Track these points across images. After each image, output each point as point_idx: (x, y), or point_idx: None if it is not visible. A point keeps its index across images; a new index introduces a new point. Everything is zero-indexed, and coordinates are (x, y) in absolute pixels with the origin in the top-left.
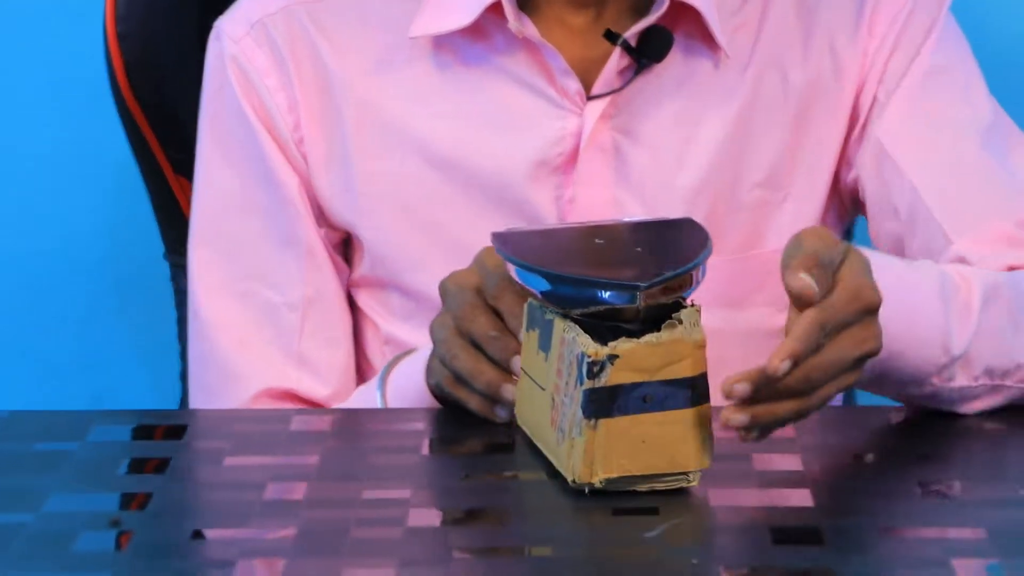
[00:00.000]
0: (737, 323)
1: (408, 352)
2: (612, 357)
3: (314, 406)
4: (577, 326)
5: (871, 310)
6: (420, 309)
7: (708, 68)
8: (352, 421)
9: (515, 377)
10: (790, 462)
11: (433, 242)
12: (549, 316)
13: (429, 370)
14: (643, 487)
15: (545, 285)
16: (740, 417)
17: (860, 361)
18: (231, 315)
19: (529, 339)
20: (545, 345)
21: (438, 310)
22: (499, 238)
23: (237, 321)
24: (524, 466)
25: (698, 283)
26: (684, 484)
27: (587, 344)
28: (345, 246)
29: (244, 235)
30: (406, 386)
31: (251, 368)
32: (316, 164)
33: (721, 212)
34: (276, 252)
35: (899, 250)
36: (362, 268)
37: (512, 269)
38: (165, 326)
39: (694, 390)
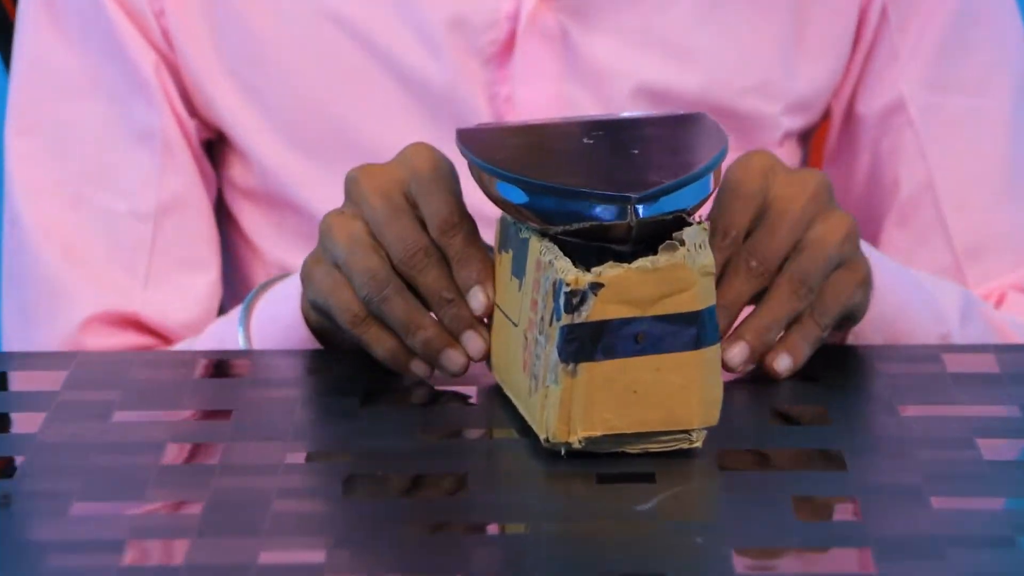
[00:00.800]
0: None
1: (279, 277)
2: (595, 286)
3: (160, 338)
4: (557, 247)
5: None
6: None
7: None
8: (272, 366)
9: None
10: (817, 413)
11: (339, 144)
12: (525, 234)
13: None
14: (634, 448)
15: (520, 196)
16: (737, 353)
17: (842, 251)
18: (60, 223)
19: (502, 263)
20: (519, 271)
21: None
22: (465, 135)
23: (68, 230)
24: (490, 421)
25: (708, 193)
26: (685, 445)
27: (566, 269)
28: (218, 147)
29: (81, 124)
30: (277, 316)
31: (83, 285)
32: (185, 37)
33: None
34: (123, 147)
35: (870, 210)
36: (245, 177)
37: (481, 174)
38: None
39: (700, 328)
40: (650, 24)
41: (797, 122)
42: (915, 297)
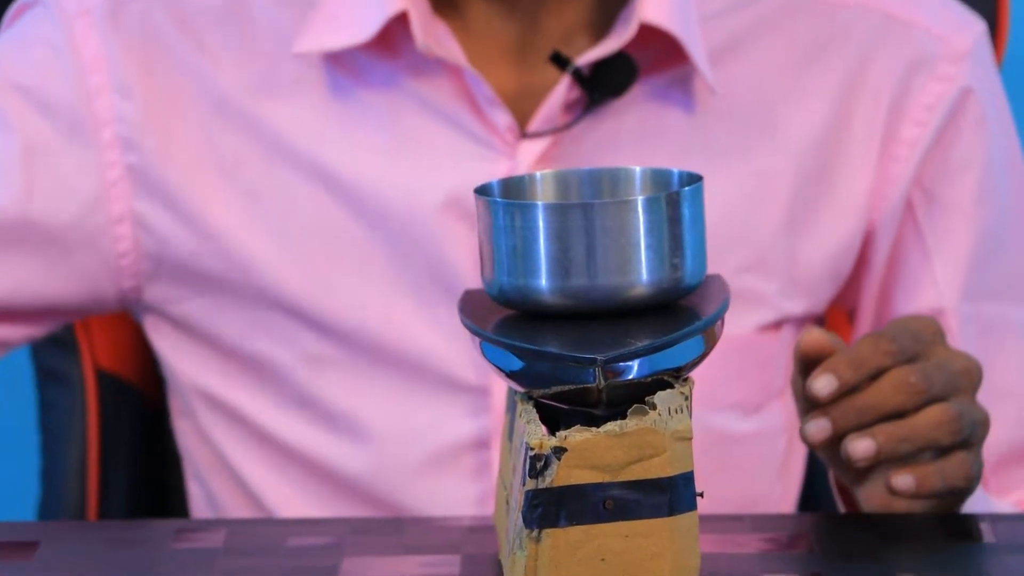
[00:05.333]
0: (707, 426)
1: None
2: (559, 450)
3: None
4: (535, 411)
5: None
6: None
7: (680, 116)
8: (249, 534)
9: None
10: None
11: (334, 270)
12: (516, 397)
13: None
14: None
15: (502, 360)
16: (904, 480)
17: (978, 433)
18: None
19: (504, 426)
20: (511, 435)
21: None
22: (469, 296)
23: None
24: None
25: (700, 353)
26: None
27: (532, 432)
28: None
29: None
30: None
31: None
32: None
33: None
34: None
35: None
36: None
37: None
38: None
39: (673, 494)
40: None
41: (797, 307)
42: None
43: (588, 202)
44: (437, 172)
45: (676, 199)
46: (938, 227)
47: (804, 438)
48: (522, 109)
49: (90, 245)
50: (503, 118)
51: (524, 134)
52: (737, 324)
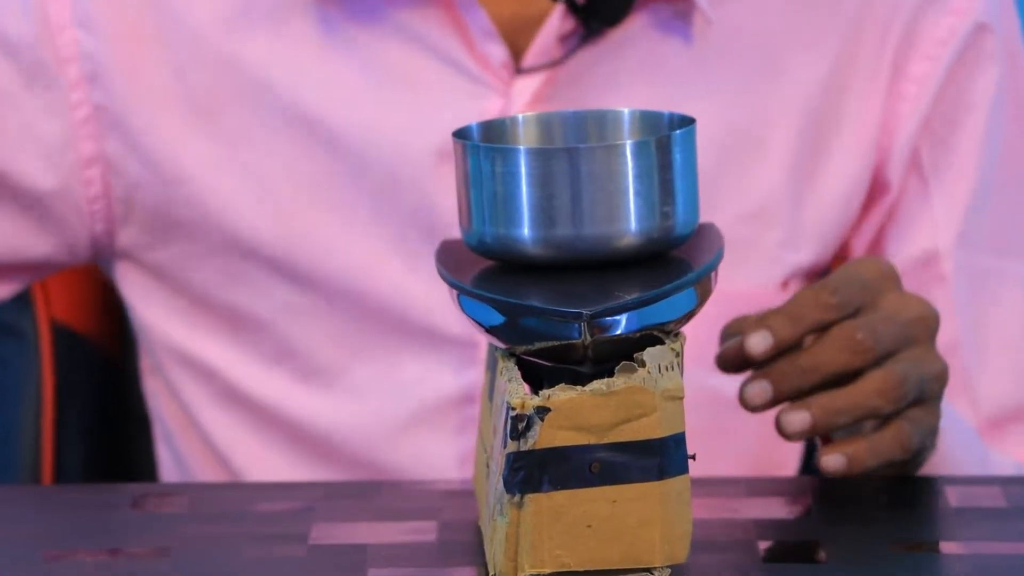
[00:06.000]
0: (702, 385)
1: None
2: (542, 410)
3: None
4: (516, 369)
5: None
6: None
7: (679, 45)
8: (215, 499)
9: None
10: (810, 549)
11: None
12: (497, 354)
13: None
14: None
15: (483, 314)
16: (835, 460)
17: (931, 388)
18: None
19: (484, 386)
20: (491, 394)
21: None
22: (446, 247)
23: None
24: (445, 560)
25: (692, 307)
26: None
27: (514, 391)
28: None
29: None
30: None
31: None
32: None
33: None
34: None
35: None
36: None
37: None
38: None
39: (663, 457)
40: None
41: (804, 258)
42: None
43: (573, 146)
44: (425, 113)
45: (666, 143)
46: (940, 167)
47: (743, 402)
48: (515, 43)
49: (60, 190)
50: (498, 52)
51: (519, 69)
52: (736, 278)
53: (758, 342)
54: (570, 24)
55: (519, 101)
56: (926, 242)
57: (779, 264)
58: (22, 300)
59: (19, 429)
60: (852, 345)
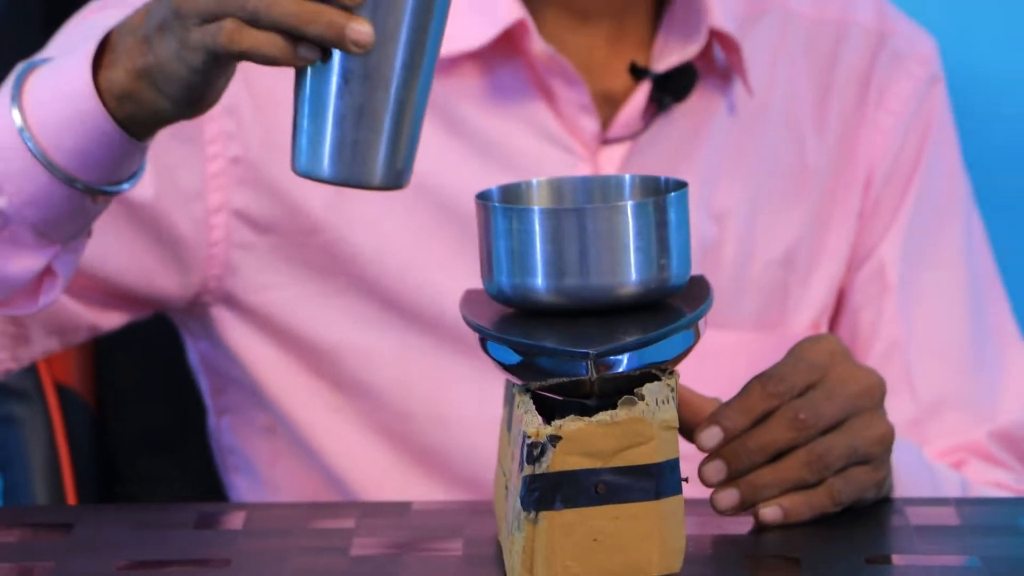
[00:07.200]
0: None
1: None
2: (554, 438)
3: None
4: (531, 402)
5: (843, 387)
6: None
7: (723, 112)
8: (267, 518)
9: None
10: (790, 561)
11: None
12: (514, 390)
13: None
14: None
15: (502, 354)
16: (726, 497)
17: (872, 451)
18: None
19: (504, 419)
20: (509, 425)
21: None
22: (471, 295)
23: None
24: (476, 565)
25: (688, 347)
26: None
27: (529, 422)
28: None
29: None
30: (59, 88)
31: None
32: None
33: (731, 286)
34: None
35: None
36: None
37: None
38: None
39: (659, 479)
40: (698, 207)
41: (822, 292)
42: (925, 491)
43: (581, 207)
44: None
45: (663, 204)
46: (886, 192)
47: (702, 479)
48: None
49: (191, 233)
50: (591, 125)
51: (604, 140)
52: (776, 310)
53: (709, 438)
54: (645, 99)
55: (607, 168)
56: (878, 258)
57: (801, 302)
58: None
59: (34, 481)
60: (796, 424)
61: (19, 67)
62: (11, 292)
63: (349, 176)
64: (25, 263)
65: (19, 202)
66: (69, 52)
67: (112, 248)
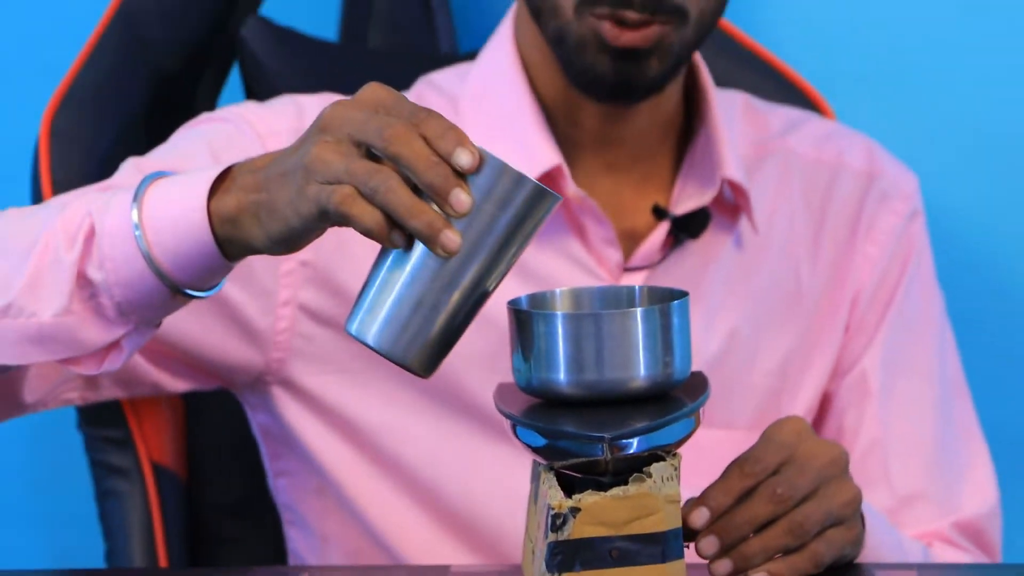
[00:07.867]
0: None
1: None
2: (574, 510)
3: None
4: (555, 478)
5: (810, 460)
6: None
7: (730, 246)
8: None
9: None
10: None
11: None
12: (539, 469)
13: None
14: None
15: (530, 438)
16: (721, 566)
17: (844, 513)
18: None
19: (531, 495)
20: (535, 499)
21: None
22: (503, 388)
23: None
24: None
25: (690, 431)
26: None
27: (553, 496)
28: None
29: None
30: (188, 191)
31: None
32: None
33: (731, 392)
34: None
35: None
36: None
37: (507, 424)
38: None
39: (665, 545)
40: (705, 328)
41: (808, 398)
42: (893, 554)
43: (597, 312)
44: None
45: (668, 311)
46: (868, 308)
47: (699, 553)
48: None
49: (263, 322)
50: (615, 255)
51: (625, 268)
52: (771, 410)
53: (697, 518)
54: (664, 236)
55: None
56: (861, 367)
57: (790, 406)
58: (125, 445)
59: (132, 547)
60: (775, 499)
61: (147, 176)
62: (80, 353)
63: (389, 351)
64: (100, 333)
65: (113, 280)
66: (184, 156)
67: (194, 326)
